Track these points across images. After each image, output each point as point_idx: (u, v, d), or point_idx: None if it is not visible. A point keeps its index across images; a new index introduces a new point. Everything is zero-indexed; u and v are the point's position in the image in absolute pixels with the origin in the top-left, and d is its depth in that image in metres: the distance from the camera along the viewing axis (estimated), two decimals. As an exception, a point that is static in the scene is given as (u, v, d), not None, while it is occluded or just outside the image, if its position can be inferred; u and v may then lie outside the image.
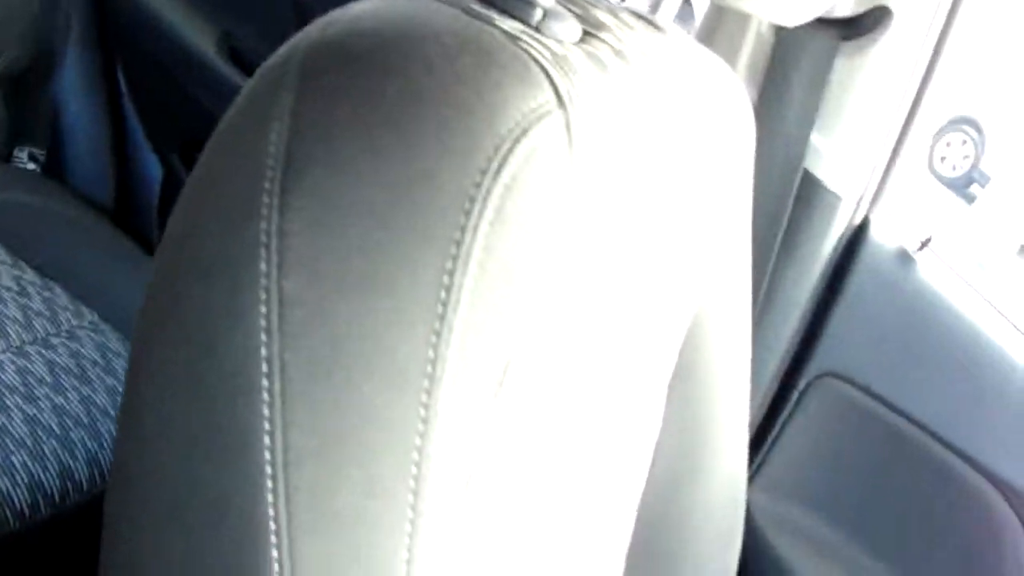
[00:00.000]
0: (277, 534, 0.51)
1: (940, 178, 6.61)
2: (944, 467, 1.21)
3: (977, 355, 1.21)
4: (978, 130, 6.70)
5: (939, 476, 1.22)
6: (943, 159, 6.72)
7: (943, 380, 1.22)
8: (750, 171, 0.84)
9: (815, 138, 1.15)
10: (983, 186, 6.25)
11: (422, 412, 0.52)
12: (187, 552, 0.53)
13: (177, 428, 0.53)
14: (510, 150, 0.51)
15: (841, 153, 1.17)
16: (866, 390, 1.23)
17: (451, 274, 0.51)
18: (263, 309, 0.49)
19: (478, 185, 0.51)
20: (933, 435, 1.21)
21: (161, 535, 0.54)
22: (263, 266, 0.49)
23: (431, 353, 0.52)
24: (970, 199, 6.23)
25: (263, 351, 0.49)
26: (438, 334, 0.51)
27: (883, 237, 1.23)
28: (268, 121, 0.50)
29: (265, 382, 0.50)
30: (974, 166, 6.61)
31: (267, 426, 0.50)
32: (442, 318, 0.51)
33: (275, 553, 0.51)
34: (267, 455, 0.50)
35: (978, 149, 6.65)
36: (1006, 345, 1.21)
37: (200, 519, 0.53)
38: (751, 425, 1.23)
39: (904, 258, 1.22)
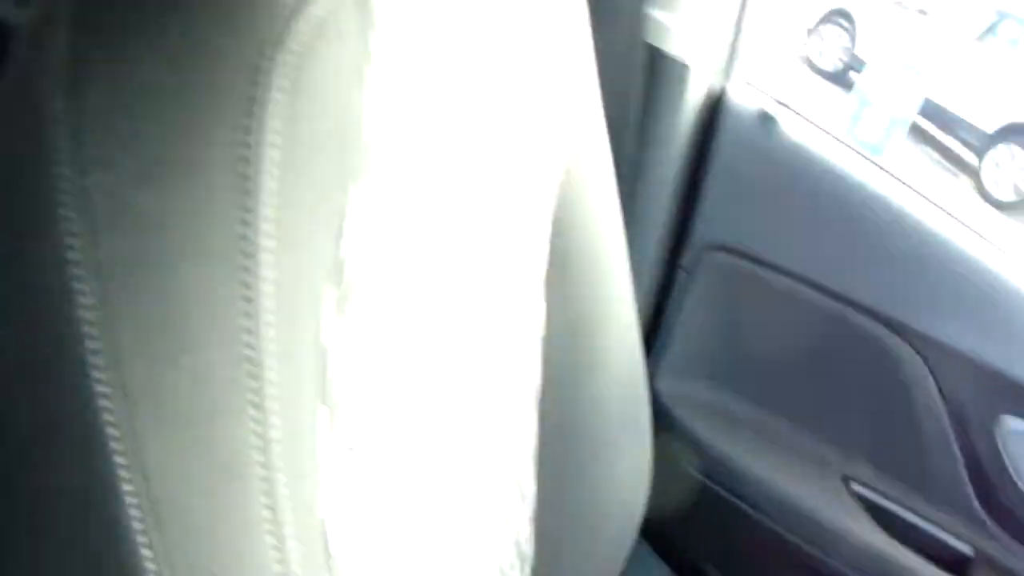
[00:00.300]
0: (119, 440, 0.49)
1: (821, 72, 6.68)
2: (842, 321, 1.22)
3: (854, 203, 1.21)
4: (849, 20, 6.77)
5: (838, 331, 1.23)
6: (820, 54, 6.79)
7: (826, 234, 1.23)
8: (588, 50, 0.83)
9: (657, 13, 1.14)
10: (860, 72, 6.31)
11: (245, 291, 0.51)
12: (32, 480, 0.52)
13: (3, 358, 0.51)
14: (293, 19, 0.50)
15: (685, 23, 1.16)
16: (751, 257, 1.23)
17: (249, 147, 0.49)
18: (67, 212, 0.48)
19: (265, 56, 0.49)
20: (825, 291, 1.21)
21: (6, 468, 0.53)
22: (62, 168, 0.47)
23: (243, 230, 0.50)
24: (851, 87, 6.29)
25: (72, 254, 0.48)
26: (247, 209, 0.50)
27: (742, 102, 1.23)
28: (49, 27, 0.49)
29: (79, 285, 0.48)
30: (851, 55, 6.68)
31: (88, 329, 0.48)
32: (248, 193, 0.50)
33: (120, 460, 0.49)
34: (92, 359, 0.48)
35: (852, 38, 6.73)
36: (882, 189, 1.22)
37: (38, 442, 0.51)
38: (644, 310, 1.22)
39: (766, 120, 1.21)
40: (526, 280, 0.81)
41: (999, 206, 7.59)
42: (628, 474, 0.98)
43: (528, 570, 0.89)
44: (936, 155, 7.31)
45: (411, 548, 0.72)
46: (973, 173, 7.73)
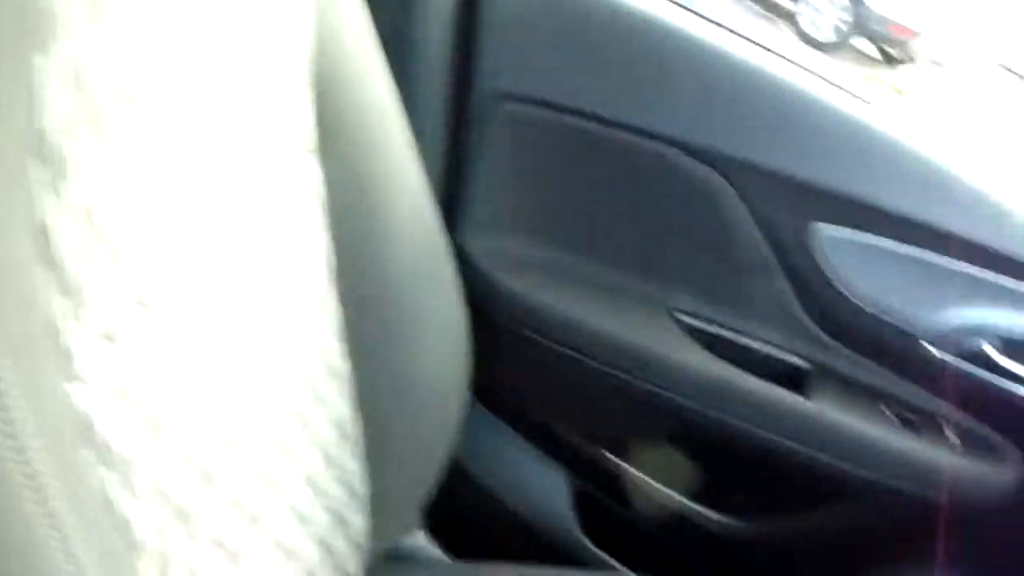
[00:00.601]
0: None
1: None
2: (643, 154, 1.20)
3: (638, 35, 1.19)
4: None
5: (642, 164, 1.21)
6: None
7: (614, 70, 1.20)
8: None
9: None
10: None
11: None
12: None
13: None
14: None
15: None
16: (543, 102, 1.20)
17: None
18: None
19: None
20: (623, 127, 1.20)
21: None
22: None
23: None
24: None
25: None
26: None
27: None
28: None
29: None
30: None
31: None
32: None
33: None
34: None
35: None
36: (668, 17, 1.20)
37: None
38: (439, 170, 1.19)
39: None
40: (289, 146, 0.78)
41: (820, 47, 7.75)
42: (442, 334, 0.97)
43: (357, 450, 0.87)
44: (754, 5, 7.41)
45: (211, 441, 0.69)
46: (790, 17, 7.87)
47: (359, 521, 0.89)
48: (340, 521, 0.86)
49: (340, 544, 0.87)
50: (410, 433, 0.94)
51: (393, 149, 0.89)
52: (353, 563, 0.90)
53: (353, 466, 0.87)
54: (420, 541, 1.15)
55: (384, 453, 0.90)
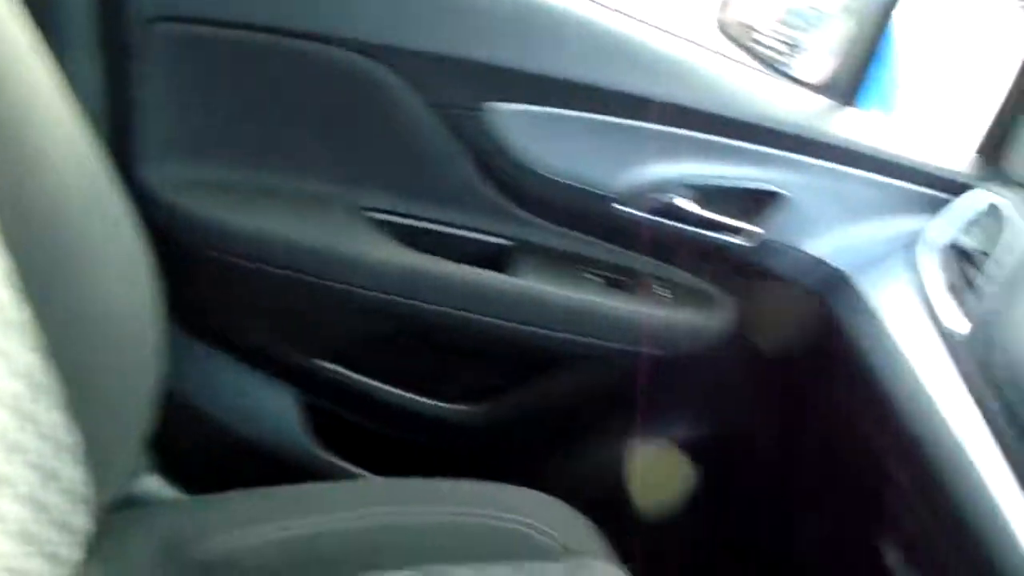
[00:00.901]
0: None
1: None
2: (311, 58, 1.18)
3: None
4: None
5: (311, 69, 1.19)
6: None
7: None
8: None
9: None
10: None
11: None
12: None
13: None
14: None
15: None
16: (199, 20, 1.16)
17: None
18: None
19: None
20: (285, 32, 1.17)
21: None
22: None
23: None
24: None
25: None
26: None
27: None
28: None
29: None
30: None
31: None
32: None
33: None
34: None
35: None
36: None
37: None
38: (101, 103, 1.14)
39: None
40: None
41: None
42: (124, 269, 0.93)
43: (54, 400, 0.84)
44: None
45: None
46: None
47: (73, 473, 0.86)
48: (49, 476, 0.83)
49: (54, 499, 0.84)
50: (111, 373, 0.91)
51: (38, 89, 0.84)
52: (76, 516, 0.87)
53: (52, 417, 0.83)
54: (152, 483, 1.13)
55: (87, 398, 0.87)
